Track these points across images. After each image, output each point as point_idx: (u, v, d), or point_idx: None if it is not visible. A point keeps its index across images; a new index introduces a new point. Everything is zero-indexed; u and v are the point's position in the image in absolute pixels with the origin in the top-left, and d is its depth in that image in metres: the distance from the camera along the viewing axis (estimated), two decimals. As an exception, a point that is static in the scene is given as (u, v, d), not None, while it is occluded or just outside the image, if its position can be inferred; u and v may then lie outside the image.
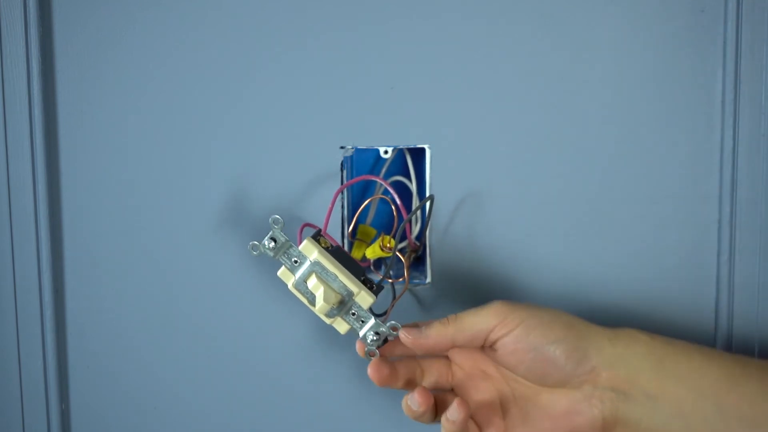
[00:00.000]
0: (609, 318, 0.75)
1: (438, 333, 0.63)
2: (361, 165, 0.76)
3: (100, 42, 0.72)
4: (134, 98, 0.73)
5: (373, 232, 0.75)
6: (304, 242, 0.64)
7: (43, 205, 0.73)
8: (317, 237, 0.65)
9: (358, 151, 0.74)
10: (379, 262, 0.74)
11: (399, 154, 0.75)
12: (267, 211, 0.73)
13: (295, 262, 0.65)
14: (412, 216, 0.71)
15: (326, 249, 0.64)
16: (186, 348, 0.75)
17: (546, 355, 0.62)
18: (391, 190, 0.69)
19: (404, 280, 0.69)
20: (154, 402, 0.76)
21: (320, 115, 0.72)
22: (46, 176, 0.73)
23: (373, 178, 0.71)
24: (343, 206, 0.74)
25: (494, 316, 0.63)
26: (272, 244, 0.64)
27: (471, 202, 0.73)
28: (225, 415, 0.76)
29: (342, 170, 0.73)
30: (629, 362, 0.62)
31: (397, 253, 0.70)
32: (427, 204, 0.70)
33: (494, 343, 0.63)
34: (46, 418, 0.76)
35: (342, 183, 0.73)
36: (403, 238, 0.72)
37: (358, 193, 0.78)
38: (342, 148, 0.73)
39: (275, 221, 0.64)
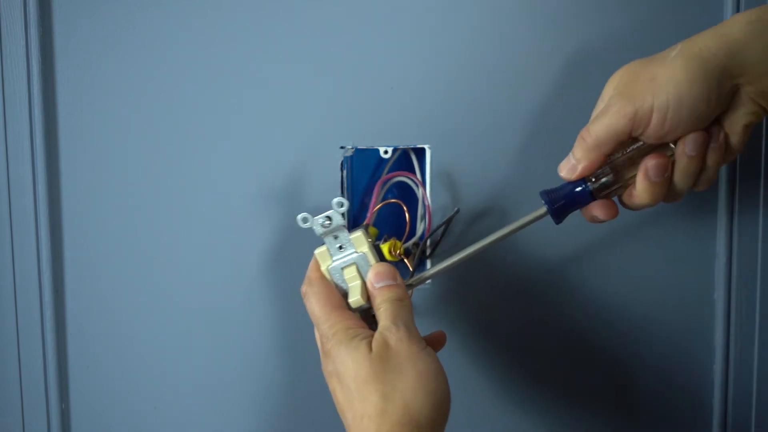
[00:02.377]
0: (608, 318, 0.75)
1: (583, 155, 0.62)
2: (361, 165, 0.76)
3: (100, 42, 0.72)
4: (134, 98, 0.72)
5: (376, 232, 0.75)
6: (358, 232, 0.64)
7: (43, 205, 0.73)
8: (366, 230, 0.65)
9: (358, 151, 0.74)
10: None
11: (399, 154, 0.75)
12: (267, 212, 0.73)
13: (340, 247, 0.64)
14: (437, 230, 0.71)
15: (373, 246, 0.64)
16: (186, 348, 0.75)
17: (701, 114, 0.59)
18: (423, 190, 0.70)
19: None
20: (154, 402, 0.76)
21: (320, 115, 0.72)
22: (46, 176, 0.73)
23: (410, 176, 0.71)
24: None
25: (621, 116, 0.59)
26: (326, 222, 0.63)
27: (471, 202, 0.73)
28: (225, 416, 0.76)
29: (342, 170, 0.73)
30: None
31: (405, 259, 0.70)
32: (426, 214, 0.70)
33: (641, 136, 0.61)
34: (46, 418, 0.76)
35: (342, 183, 0.73)
36: (407, 240, 0.72)
37: (360, 194, 0.78)
38: (342, 148, 0.73)
39: (339, 203, 0.63)
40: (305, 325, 0.72)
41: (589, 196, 0.63)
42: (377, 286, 0.62)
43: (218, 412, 0.76)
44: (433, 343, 0.66)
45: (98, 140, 0.73)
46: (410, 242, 0.73)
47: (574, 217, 0.73)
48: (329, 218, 0.63)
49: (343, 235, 0.64)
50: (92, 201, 0.74)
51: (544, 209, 0.63)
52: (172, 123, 0.73)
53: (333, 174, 0.73)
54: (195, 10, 0.71)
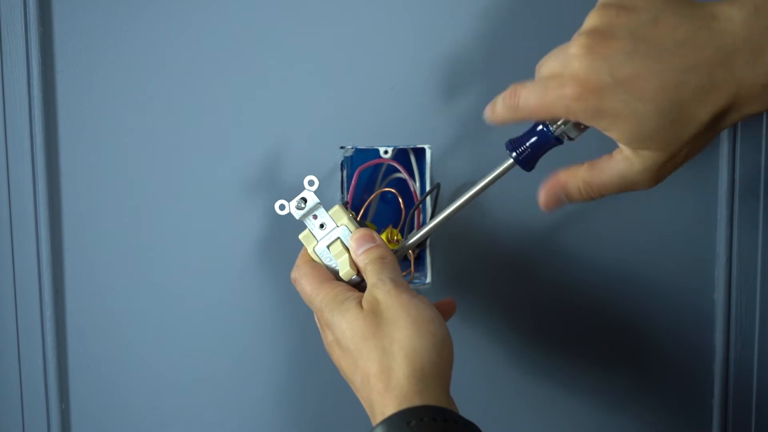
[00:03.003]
0: (608, 317, 0.75)
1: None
2: (361, 165, 0.76)
3: (100, 42, 0.72)
4: (134, 98, 0.72)
5: (374, 228, 0.75)
6: (335, 207, 0.64)
7: (43, 205, 0.73)
8: (345, 205, 0.65)
9: (358, 151, 0.74)
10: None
11: (399, 154, 0.75)
12: (267, 212, 0.73)
13: (321, 226, 0.64)
14: (419, 205, 0.72)
15: (354, 219, 0.65)
16: (186, 348, 0.75)
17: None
18: (407, 176, 0.69)
19: (406, 275, 0.70)
20: (154, 402, 0.76)
21: (320, 115, 0.72)
22: (46, 176, 0.73)
23: (390, 162, 0.72)
24: (346, 195, 0.74)
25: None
26: (302, 204, 0.64)
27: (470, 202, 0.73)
28: (226, 416, 0.76)
29: (342, 170, 0.73)
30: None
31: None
32: (432, 194, 0.70)
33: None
34: (46, 418, 0.76)
35: (342, 183, 0.73)
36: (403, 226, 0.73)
37: (360, 190, 0.78)
38: (342, 148, 0.73)
39: (310, 182, 0.64)
40: (307, 324, 0.72)
41: (553, 139, 0.60)
42: (359, 252, 0.63)
43: (218, 412, 0.76)
44: (442, 311, 0.65)
45: (98, 140, 0.73)
46: (420, 235, 0.73)
47: (574, 213, 0.73)
48: (304, 199, 0.64)
49: (321, 213, 0.64)
50: (92, 201, 0.74)
51: (511, 160, 0.62)
52: (172, 123, 0.73)
53: (333, 174, 0.73)
54: (195, 10, 0.71)
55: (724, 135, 0.72)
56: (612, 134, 0.55)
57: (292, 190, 0.72)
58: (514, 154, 0.62)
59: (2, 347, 0.75)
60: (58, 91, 0.73)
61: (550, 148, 0.61)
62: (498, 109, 0.59)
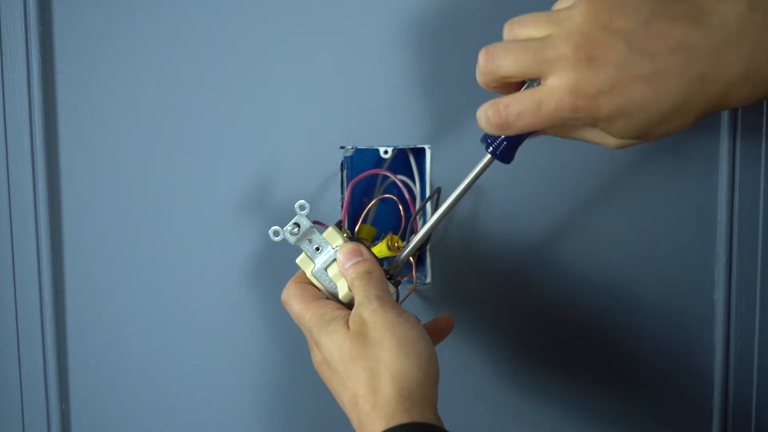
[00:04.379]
0: (608, 317, 0.75)
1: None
2: (361, 165, 0.76)
3: (101, 42, 0.72)
4: (134, 98, 0.72)
5: (375, 231, 0.75)
6: (328, 229, 0.64)
7: (43, 205, 0.73)
8: (339, 226, 0.65)
9: (358, 151, 0.74)
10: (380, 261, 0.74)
11: (399, 154, 0.75)
12: (267, 212, 0.73)
13: (317, 249, 0.64)
14: (419, 211, 0.71)
15: (348, 238, 0.64)
16: (186, 348, 0.75)
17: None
18: (401, 185, 0.69)
19: (409, 279, 0.69)
20: (154, 402, 0.76)
21: (320, 115, 0.72)
22: (46, 176, 0.73)
23: (387, 173, 0.71)
24: (342, 206, 0.74)
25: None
26: (296, 229, 0.64)
27: (471, 202, 0.73)
28: (226, 416, 0.76)
29: (342, 170, 0.73)
30: None
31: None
32: (433, 198, 0.70)
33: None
34: (46, 418, 0.76)
35: (342, 183, 0.73)
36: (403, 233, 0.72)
37: (359, 193, 0.78)
38: (342, 148, 0.73)
39: (301, 206, 0.64)
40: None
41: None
42: (347, 266, 0.62)
43: (218, 412, 0.76)
44: (440, 327, 0.65)
45: (98, 140, 0.73)
46: (412, 245, 0.73)
47: (574, 213, 0.73)
48: (297, 224, 0.64)
49: (316, 236, 0.64)
50: (92, 201, 0.74)
51: (489, 156, 0.61)
52: (172, 123, 0.73)
53: (333, 174, 0.73)
54: (196, 10, 0.71)
55: (724, 135, 0.72)
56: (602, 130, 0.56)
57: (292, 190, 0.72)
58: (490, 149, 0.61)
59: (2, 347, 0.75)
60: (58, 91, 0.73)
61: (527, 137, 0.60)
62: (488, 128, 0.57)
